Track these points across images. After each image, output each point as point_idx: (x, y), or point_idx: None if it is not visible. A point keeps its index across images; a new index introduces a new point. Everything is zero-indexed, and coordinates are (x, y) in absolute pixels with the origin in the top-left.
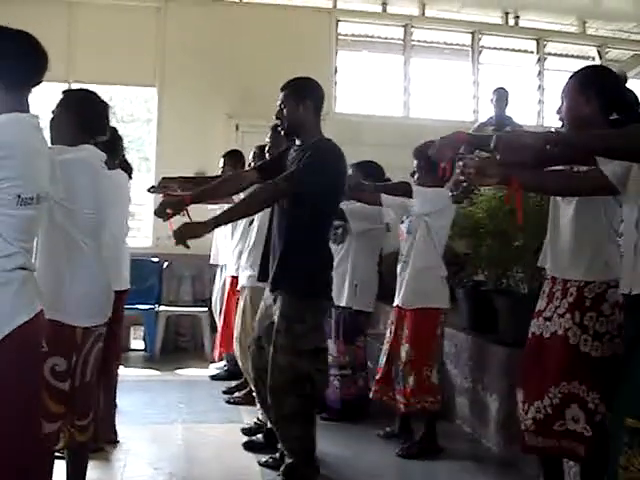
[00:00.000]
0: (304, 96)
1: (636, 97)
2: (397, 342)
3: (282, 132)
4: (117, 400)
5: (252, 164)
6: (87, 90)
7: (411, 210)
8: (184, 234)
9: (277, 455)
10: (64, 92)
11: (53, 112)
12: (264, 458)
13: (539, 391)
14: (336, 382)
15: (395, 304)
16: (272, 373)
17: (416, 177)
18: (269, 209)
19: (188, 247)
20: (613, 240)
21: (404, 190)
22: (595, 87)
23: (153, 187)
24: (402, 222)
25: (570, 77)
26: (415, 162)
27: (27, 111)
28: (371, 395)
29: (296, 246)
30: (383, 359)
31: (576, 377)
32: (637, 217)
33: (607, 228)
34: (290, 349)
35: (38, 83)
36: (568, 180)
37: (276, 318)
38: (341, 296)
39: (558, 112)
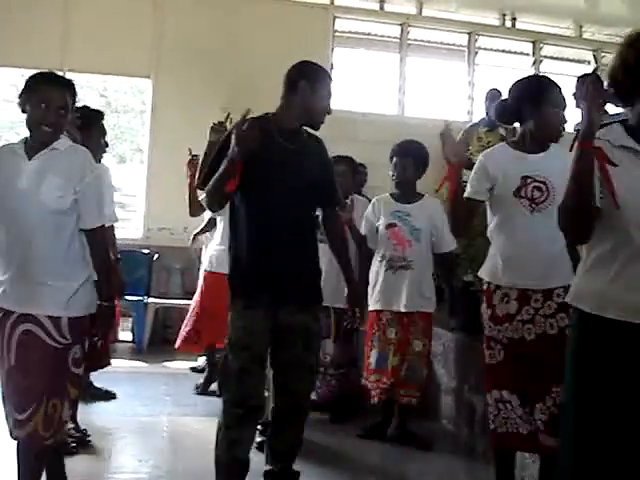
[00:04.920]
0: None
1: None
2: (407, 343)
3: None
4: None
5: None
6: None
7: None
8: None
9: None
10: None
11: None
12: None
13: (539, 393)
14: (333, 382)
15: (399, 309)
16: None
17: (395, 177)
18: None
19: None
20: None
21: None
22: None
23: None
24: (394, 225)
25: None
26: (395, 159)
27: None
28: (376, 400)
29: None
30: (390, 363)
31: None
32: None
33: None
34: None
35: None
36: None
37: None
38: (340, 297)
39: None
